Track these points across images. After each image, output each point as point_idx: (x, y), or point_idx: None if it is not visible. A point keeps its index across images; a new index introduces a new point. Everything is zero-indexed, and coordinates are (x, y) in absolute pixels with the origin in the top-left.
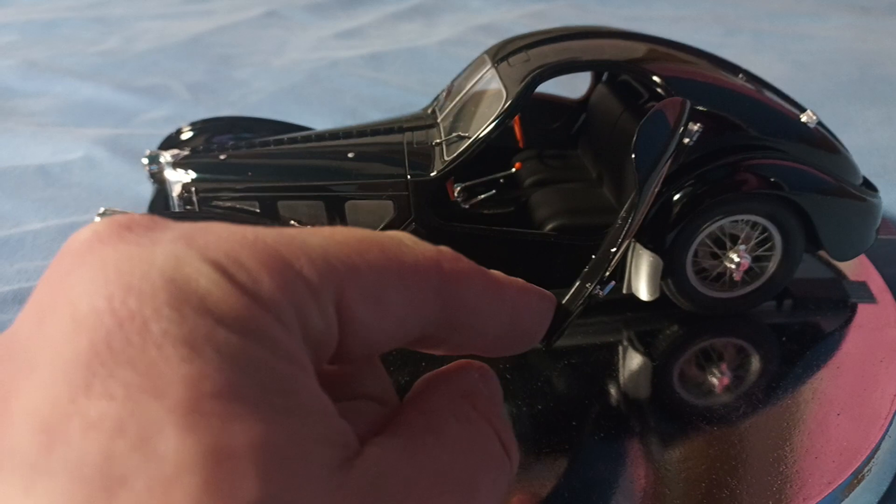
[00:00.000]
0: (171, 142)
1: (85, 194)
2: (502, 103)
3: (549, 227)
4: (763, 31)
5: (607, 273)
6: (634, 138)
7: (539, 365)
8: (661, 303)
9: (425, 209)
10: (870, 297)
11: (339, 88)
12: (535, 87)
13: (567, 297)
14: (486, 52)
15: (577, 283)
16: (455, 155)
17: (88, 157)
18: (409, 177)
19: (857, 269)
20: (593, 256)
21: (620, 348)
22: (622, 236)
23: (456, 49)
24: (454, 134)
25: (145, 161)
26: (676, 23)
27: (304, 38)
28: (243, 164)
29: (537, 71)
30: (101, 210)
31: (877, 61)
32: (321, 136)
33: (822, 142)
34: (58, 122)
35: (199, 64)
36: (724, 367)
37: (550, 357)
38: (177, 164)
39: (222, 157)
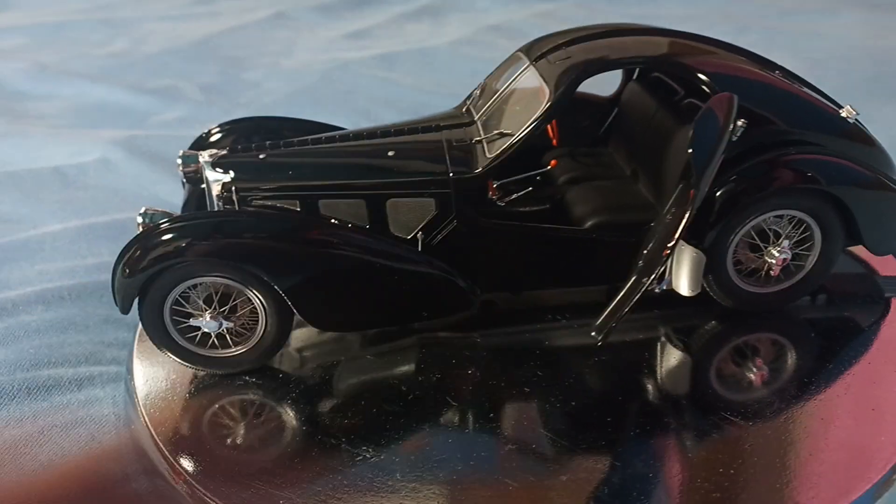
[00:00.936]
0: (202, 143)
1: (102, 196)
2: (545, 101)
3: (589, 223)
4: (774, 28)
5: (663, 268)
6: (691, 135)
7: (572, 362)
8: (695, 299)
9: (467, 206)
10: None
11: (351, 89)
12: (578, 85)
13: (622, 294)
14: (521, 49)
15: (633, 279)
16: (498, 152)
17: (104, 159)
18: (451, 174)
19: (890, 264)
20: (644, 252)
21: (658, 345)
22: (678, 231)
23: (467, 49)
24: (495, 132)
25: (179, 161)
26: (686, 21)
27: (313, 39)
28: (283, 164)
29: (581, 68)
30: (143, 210)
31: (891, 58)
32: (358, 135)
33: (860, 136)
34: (71, 125)
35: (210, 65)
36: (759, 362)
37: (583, 354)
38: (216, 163)
39: (262, 156)
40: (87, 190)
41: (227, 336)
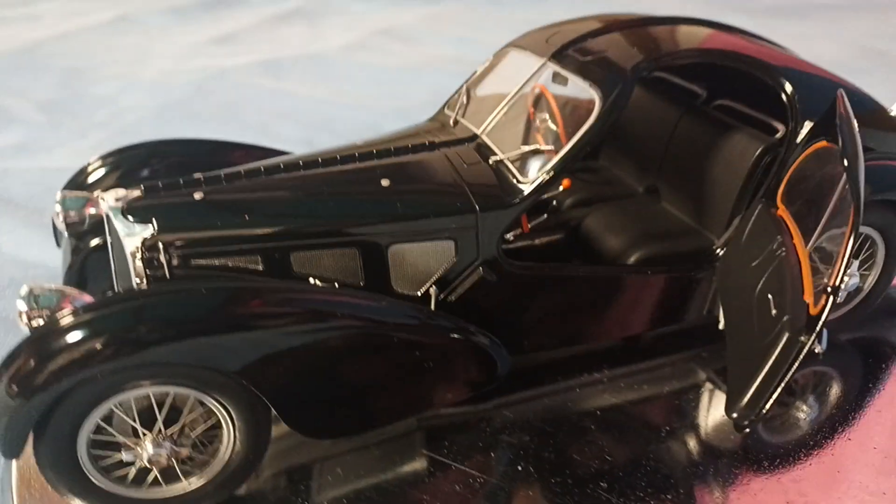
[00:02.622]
0: (82, 181)
1: None
2: (598, 104)
3: (634, 258)
4: None
5: (821, 321)
6: (841, 144)
7: (606, 425)
8: (723, 333)
9: (496, 248)
10: None
11: (235, 101)
12: (635, 83)
13: (771, 361)
14: (514, 45)
15: (786, 338)
16: (545, 173)
17: None
18: (478, 208)
19: None
20: (770, 296)
21: (702, 392)
22: (841, 268)
23: (361, 54)
24: (524, 148)
25: (58, 208)
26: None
27: (171, 45)
28: (232, 205)
29: (637, 63)
30: (25, 291)
31: None
32: (328, 160)
33: None
34: None
35: (43, 78)
36: (807, 398)
37: (619, 412)
38: (130, 209)
39: (197, 195)
40: None
41: (176, 466)
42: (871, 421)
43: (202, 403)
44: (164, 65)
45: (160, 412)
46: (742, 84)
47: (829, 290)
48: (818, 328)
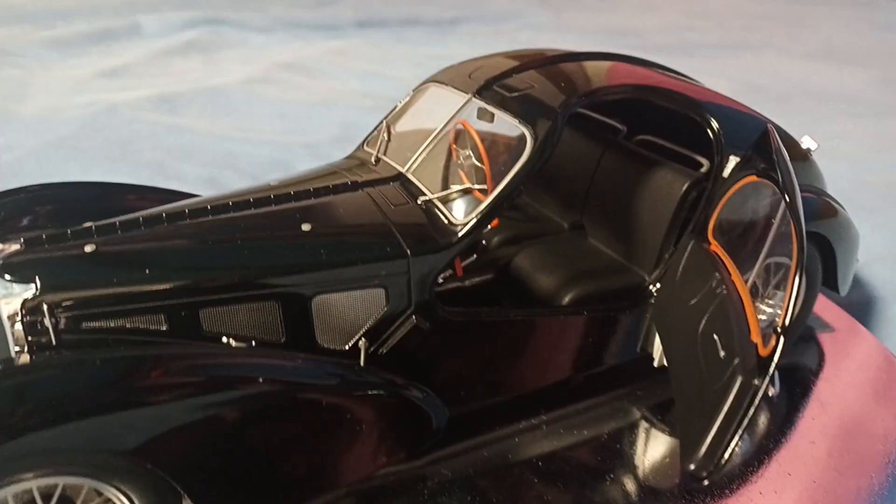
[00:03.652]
0: None
1: None
2: (530, 142)
3: (568, 298)
4: None
5: (773, 363)
6: (780, 179)
7: (546, 474)
8: (657, 369)
9: (429, 294)
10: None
11: (127, 138)
12: (566, 119)
13: (727, 407)
14: (435, 80)
15: (739, 382)
16: (480, 212)
17: None
18: (409, 252)
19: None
20: (716, 337)
21: (638, 431)
22: (790, 306)
23: (263, 88)
24: (454, 188)
25: None
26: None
27: (53, 79)
28: (131, 258)
29: (572, 99)
30: None
31: None
32: (239, 204)
33: (803, 155)
34: None
35: None
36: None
37: (556, 460)
38: (7, 266)
39: (88, 248)
40: None
41: None
42: (806, 453)
43: (98, 492)
44: (45, 100)
45: None
46: (661, 119)
47: (778, 330)
48: (771, 371)
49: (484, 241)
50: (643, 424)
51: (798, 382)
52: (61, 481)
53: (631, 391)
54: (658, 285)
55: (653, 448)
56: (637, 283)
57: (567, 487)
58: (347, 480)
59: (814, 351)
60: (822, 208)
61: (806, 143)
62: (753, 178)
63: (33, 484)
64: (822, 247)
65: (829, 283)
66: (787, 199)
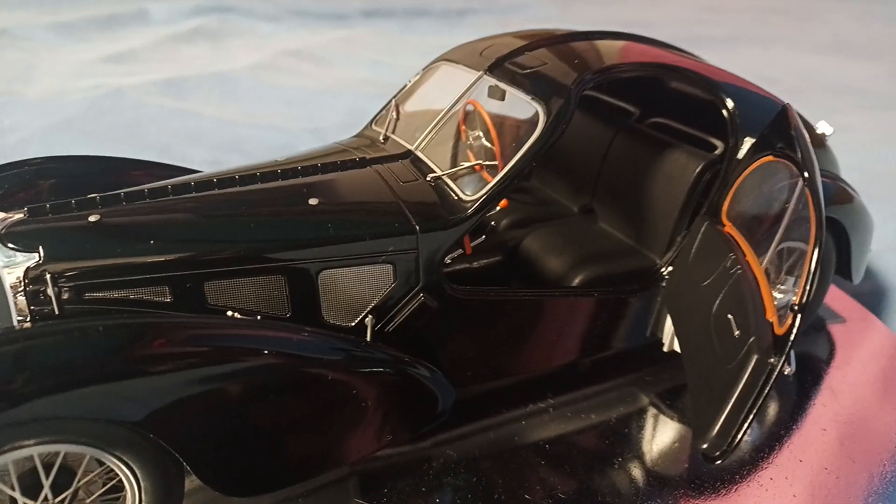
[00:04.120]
0: None
1: None
2: (542, 118)
3: (577, 280)
4: None
5: (790, 340)
6: (800, 158)
7: (554, 458)
8: (675, 353)
9: (437, 272)
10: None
11: (133, 121)
12: (579, 96)
13: (740, 386)
14: (445, 59)
15: (754, 360)
16: (489, 188)
17: None
18: (418, 228)
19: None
20: (730, 316)
21: (647, 416)
22: (807, 285)
23: (270, 75)
24: (464, 164)
25: None
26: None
27: (59, 62)
28: (136, 228)
29: (585, 76)
30: None
31: None
32: (246, 178)
33: (820, 140)
34: None
35: None
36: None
37: (564, 444)
38: (10, 234)
39: (93, 218)
40: None
41: None
42: (817, 440)
43: (100, 462)
44: (51, 83)
45: (47, 476)
46: (674, 101)
47: (795, 308)
48: (788, 348)
49: (493, 223)
50: (651, 410)
51: (809, 371)
52: (63, 449)
53: (639, 377)
54: (669, 268)
55: (661, 434)
56: (648, 266)
57: (573, 471)
58: (352, 458)
59: (825, 340)
60: (838, 193)
61: (821, 127)
62: (770, 158)
63: (34, 451)
64: (836, 233)
65: (843, 271)
66: (807, 175)
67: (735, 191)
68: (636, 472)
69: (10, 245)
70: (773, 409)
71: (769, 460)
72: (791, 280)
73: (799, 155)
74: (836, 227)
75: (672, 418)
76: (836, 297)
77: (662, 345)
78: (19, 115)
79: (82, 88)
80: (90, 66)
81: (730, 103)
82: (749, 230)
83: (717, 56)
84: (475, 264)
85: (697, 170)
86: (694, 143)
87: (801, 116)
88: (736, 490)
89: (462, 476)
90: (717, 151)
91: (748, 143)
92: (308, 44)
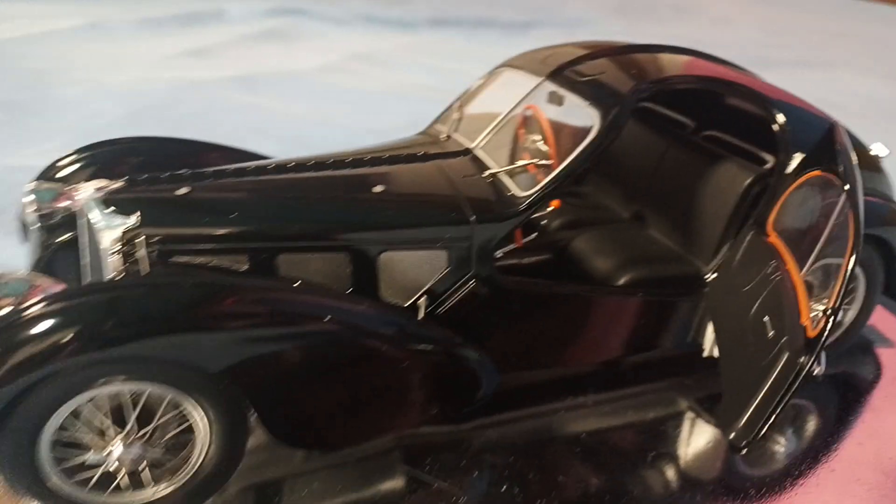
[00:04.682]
0: (50, 177)
1: None
2: (598, 120)
3: (623, 280)
4: None
5: (821, 342)
6: (841, 170)
7: (589, 450)
8: (707, 362)
9: (489, 261)
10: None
11: (207, 112)
12: (636, 104)
13: (770, 381)
14: (508, 65)
15: (785, 358)
16: (542, 187)
17: None
18: (473, 218)
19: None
20: (766, 318)
21: (684, 421)
22: (841, 287)
23: (337, 76)
24: (523, 163)
25: (30, 197)
26: None
27: (142, 54)
28: (220, 202)
29: (641, 85)
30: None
31: None
32: (320, 164)
33: (876, 165)
34: None
35: (5, 78)
36: (785, 431)
37: (599, 440)
38: (110, 200)
39: (182, 190)
40: None
41: (145, 471)
42: (852, 453)
43: (176, 406)
44: (134, 73)
45: (132, 412)
46: (730, 116)
47: (828, 311)
48: (818, 349)
49: (544, 221)
50: (689, 414)
51: (852, 388)
52: (148, 388)
53: (679, 382)
54: (714, 275)
55: (696, 437)
56: (693, 273)
57: (606, 463)
58: (397, 428)
59: (872, 361)
60: (889, 214)
61: (876, 149)
62: (818, 173)
63: (124, 387)
64: (886, 254)
65: (892, 292)
66: (848, 187)
67: (782, 204)
68: (669, 473)
69: (110, 209)
70: (811, 422)
71: (801, 468)
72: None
73: (841, 169)
74: (886, 248)
75: (709, 423)
76: (884, 320)
77: (703, 351)
78: (104, 102)
79: (162, 79)
80: (170, 59)
81: (781, 118)
82: (793, 241)
83: (782, 79)
84: (525, 261)
85: (747, 182)
86: (746, 157)
87: (854, 137)
88: (767, 494)
89: (500, 455)
90: (768, 166)
91: (797, 158)
92: (375, 48)
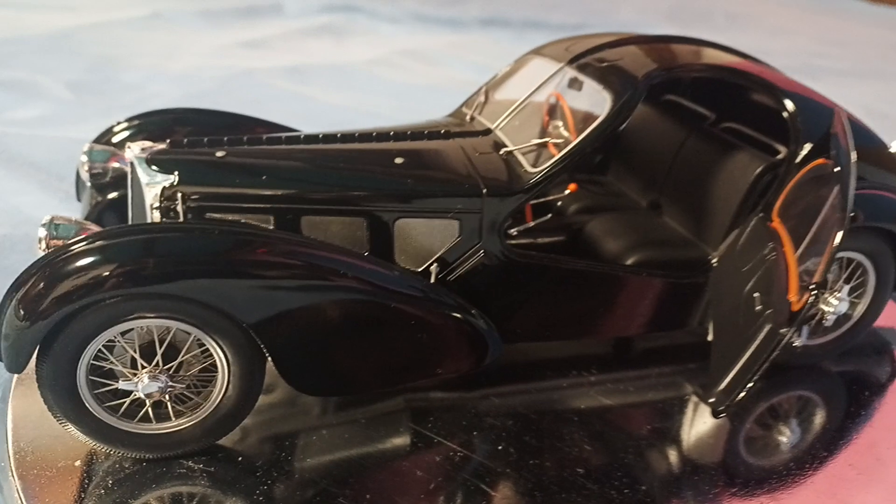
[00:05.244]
0: (105, 141)
1: None
2: (608, 105)
3: (631, 261)
4: None
5: (801, 314)
6: (833, 154)
7: (587, 426)
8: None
9: (499, 233)
10: None
11: (258, 99)
12: (647, 89)
13: (751, 350)
14: (535, 53)
15: (767, 329)
16: (553, 163)
17: None
18: (484, 191)
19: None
20: (756, 294)
21: (688, 405)
22: (825, 266)
23: (384, 70)
24: (533, 141)
25: (85, 158)
26: None
27: (200, 44)
28: (251, 166)
29: (654, 71)
30: (46, 219)
31: None
32: (347, 137)
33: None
34: None
35: (74, 61)
36: (790, 422)
37: (597, 416)
38: (154, 159)
39: (219, 154)
40: None
41: (168, 404)
42: (852, 445)
43: (200, 346)
44: (192, 61)
45: (160, 347)
46: (749, 108)
47: (811, 286)
48: (797, 321)
49: (560, 204)
50: (693, 399)
51: (868, 386)
52: (175, 325)
53: (685, 367)
54: (720, 258)
55: (699, 421)
56: (700, 257)
57: (605, 435)
58: (405, 380)
59: (888, 361)
60: None
61: (895, 147)
62: (823, 160)
63: (154, 322)
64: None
65: None
66: (838, 168)
67: (788, 191)
68: (670, 453)
69: (154, 167)
70: (818, 416)
71: (800, 456)
72: (846, 288)
73: (833, 151)
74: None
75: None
76: None
77: (709, 334)
78: (163, 85)
79: (218, 67)
80: (226, 49)
81: (790, 107)
82: (795, 227)
83: (830, 88)
84: (539, 241)
85: (758, 171)
86: (761, 148)
87: (874, 135)
88: (767, 480)
89: (501, 419)
90: (780, 156)
91: (807, 148)
92: (423, 45)
